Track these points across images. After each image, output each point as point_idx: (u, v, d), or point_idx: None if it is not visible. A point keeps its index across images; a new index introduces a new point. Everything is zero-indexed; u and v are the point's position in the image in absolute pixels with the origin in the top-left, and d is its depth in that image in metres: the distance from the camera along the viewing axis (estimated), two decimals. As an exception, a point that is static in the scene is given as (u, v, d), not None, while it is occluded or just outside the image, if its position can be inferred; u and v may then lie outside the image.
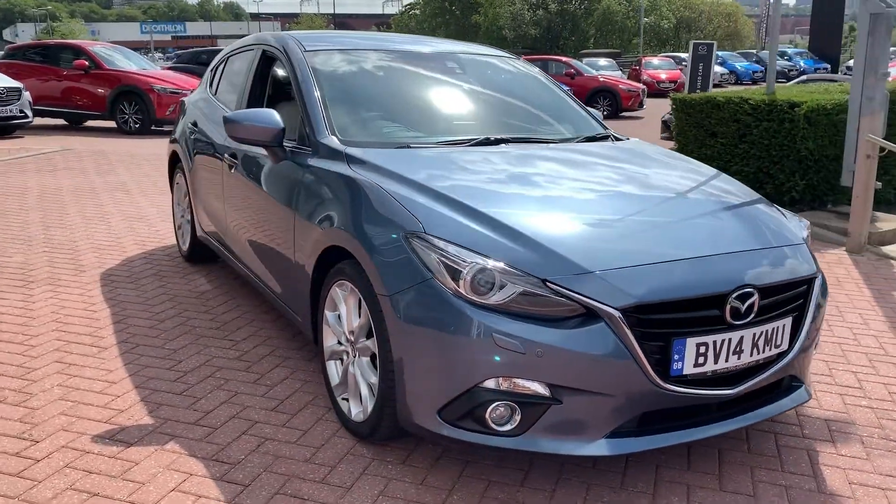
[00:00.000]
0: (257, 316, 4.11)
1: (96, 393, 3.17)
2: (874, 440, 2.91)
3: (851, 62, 37.97)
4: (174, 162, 5.20)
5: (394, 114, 3.54)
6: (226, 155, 3.98)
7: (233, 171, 3.86)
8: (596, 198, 2.76)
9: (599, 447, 2.32)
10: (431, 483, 2.56)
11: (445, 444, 2.64)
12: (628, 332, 2.24)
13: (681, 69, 33.00)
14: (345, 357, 2.89)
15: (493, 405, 2.31)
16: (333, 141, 3.15)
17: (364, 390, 2.75)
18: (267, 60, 4.06)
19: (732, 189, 3.10)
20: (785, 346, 2.56)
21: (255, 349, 3.67)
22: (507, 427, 2.33)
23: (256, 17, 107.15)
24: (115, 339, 3.75)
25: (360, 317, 2.76)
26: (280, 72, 3.93)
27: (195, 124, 4.65)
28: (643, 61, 31.90)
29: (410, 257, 2.43)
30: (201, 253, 4.95)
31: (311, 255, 2.99)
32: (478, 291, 2.31)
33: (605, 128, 3.87)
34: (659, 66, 31.27)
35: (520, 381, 2.29)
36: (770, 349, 2.50)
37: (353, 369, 2.82)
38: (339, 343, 2.94)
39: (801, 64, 40.45)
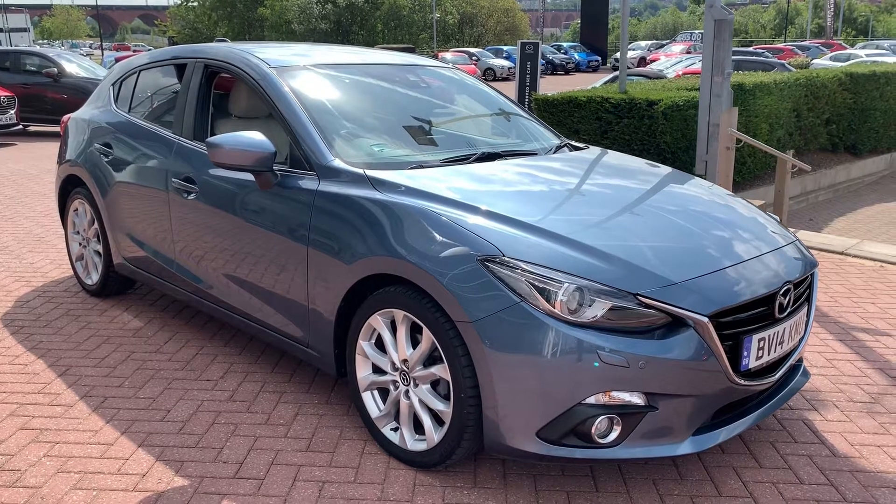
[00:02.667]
0: (218, 350, 3.84)
1: (98, 459, 2.83)
2: (844, 404, 3.35)
3: (619, 55, 41.80)
4: (69, 187, 4.66)
5: (379, 132, 3.47)
6: (174, 179, 3.66)
7: (189, 197, 3.57)
8: (636, 210, 2.91)
9: (689, 445, 2.49)
10: (515, 503, 2.59)
11: (543, 463, 2.69)
12: (714, 336, 2.42)
13: (474, 64, 34.44)
14: (391, 387, 2.82)
15: (598, 420, 2.39)
16: (342, 164, 3.03)
17: (426, 419, 2.70)
18: (211, 76, 3.78)
19: (719, 191, 3.40)
20: (802, 332, 2.88)
21: (241, 387, 3.44)
22: (609, 439, 2.43)
23: (2, 8, 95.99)
24: (74, 395, 3.34)
25: (414, 345, 2.71)
26: (238, 89, 3.69)
27: (109, 146, 4.21)
28: (439, 56, 32.86)
29: (492, 282, 2.44)
30: (115, 284, 4.51)
31: (339, 286, 2.87)
32: (572, 311, 2.38)
33: (559, 135, 4.04)
34: (453, 61, 32.39)
35: (618, 394, 2.39)
36: (796, 336, 2.81)
37: (406, 399, 2.76)
38: (380, 373, 2.87)
39: (576, 57, 43.81)
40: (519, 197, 2.92)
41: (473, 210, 2.68)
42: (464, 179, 3.00)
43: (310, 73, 3.54)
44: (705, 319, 2.41)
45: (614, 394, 2.39)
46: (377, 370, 2.90)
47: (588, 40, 46.26)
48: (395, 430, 2.85)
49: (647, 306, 2.40)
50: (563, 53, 43.60)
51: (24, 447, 2.90)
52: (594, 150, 3.85)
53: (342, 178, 2.99)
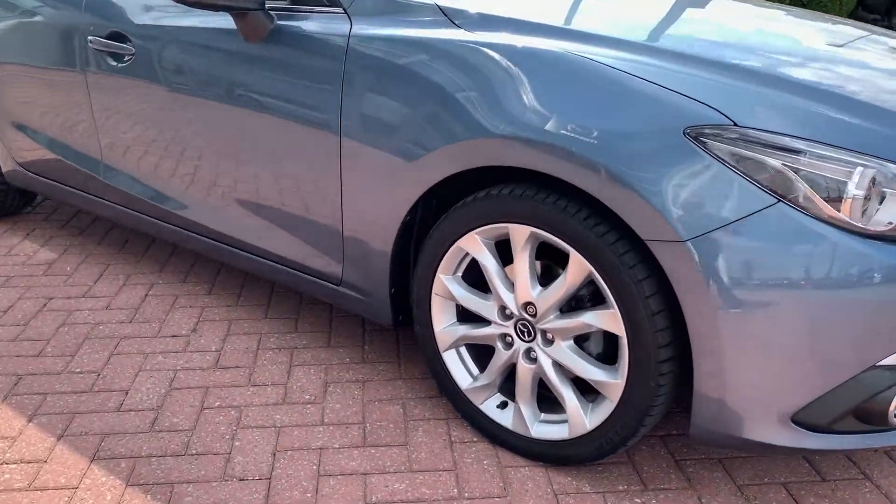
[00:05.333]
0: (175, 288, 2.69)
1: (25, 491, 1.71)
2: None
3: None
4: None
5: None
6: (92, 39, 2.40)
7: (121, 63, 2.33)
8: (876, 55, 1.91)
9: None
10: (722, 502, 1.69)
11: (785, 456, 1.81)
12: None
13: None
14: (498, 344, 1.81)
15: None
16: (387, -8, 1.89)
17: (568, 393, 1.72)
18: None
19: None
20: None
21: (228, 344, 2.33)
22: (905, 417, 1.52)
23: None
24: (-31, 375, 2.16)
25: (543, 280, 1.70)
26: None
27: (-22, -4, 2.83)
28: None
29: (718, 170, 1.42)
30: (7, 200, 3.21)
31: (401, 194, 1.80)
32: (864, 213, 1.40)
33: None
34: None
35: (920, 348, 1.47)
36: None
37: (528, 362, 1.76)
38: (476, 323, 1.85)
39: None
40: (713, 32, 1.88)
41: (651, 52, 1.62)
42: (599, 8, 1.93)
43: None
44: None
45: (915, 348, 1.46)
46: (469, 318, 1.88)
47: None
48: (503, 406, 1.87)
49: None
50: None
51: None
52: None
53: (391, 11, 1.85)
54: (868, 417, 1.49)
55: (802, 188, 1.39)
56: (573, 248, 1.59)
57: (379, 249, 1.91)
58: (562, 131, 1.54)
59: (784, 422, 1.49)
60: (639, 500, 1.71)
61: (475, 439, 1.90)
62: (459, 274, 1.84)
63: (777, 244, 1.40)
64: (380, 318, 2.02)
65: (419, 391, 2.10)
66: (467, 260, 1.82)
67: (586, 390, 1.73)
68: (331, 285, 2.09)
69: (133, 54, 2.29)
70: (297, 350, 2.30)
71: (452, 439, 1.90)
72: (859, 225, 1.39)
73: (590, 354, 1.71)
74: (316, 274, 2.12)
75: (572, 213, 1.57)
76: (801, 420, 1.49)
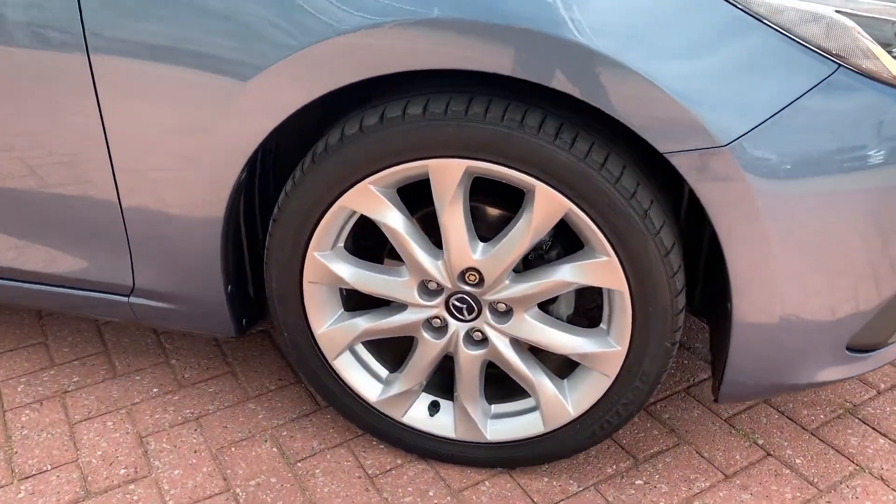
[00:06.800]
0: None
1: None
2: None
3: None
4: None
5: None
6: None
7: None
8: None
9: None
10: (723, 452, 1.36)
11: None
12: None
13: None
14: (424, 333, 1.25)
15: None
16: None
17: (539, 377, 1.24)
18: None
19: None
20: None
21: (6, 429, 1.47)
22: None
23: None
24: None
25: (484, 234, 1.17)
26: None
27: None
28: None
29: (755, 33, 0.98)
30: None
31: (235, 131, 1.11)
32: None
33: None
34: None
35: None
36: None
37: (471, 347, 1.24)
38: (386, 311, 1.27)
39: None
40: None
41: None
42: None
43: None
44: None
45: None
46: (365, 304, 1.28)
47: None
48: (435, 409, 1.34)
49: None
50: None
51: None
52: None
53: None
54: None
55: (864, 42, 0.99)
56: (540, 179, 1.06)
57: (198, 231, 1.21)
58: (514, 5, 0.96)
59: (839, 354, 1.16)
60: (640, 482, 1.32)
61: (399, 462, 1.36)
62: (342, 245, 1.22)
63: (841, 126, 1.00)
64: (214, 330, 1.34)
65: (285, 410, 1.47)
66: (352, 223, 1.20)
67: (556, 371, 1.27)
68: (116, 298, 1.33)
69: None
70: (69, 395, 1.52)
71: (369, 472, 1.34)
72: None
73: (561, 320, 1.23)
74: (81, 285, 1.34)
75: (534, 127, 1.03)
76: (855, 344, 1.17)
